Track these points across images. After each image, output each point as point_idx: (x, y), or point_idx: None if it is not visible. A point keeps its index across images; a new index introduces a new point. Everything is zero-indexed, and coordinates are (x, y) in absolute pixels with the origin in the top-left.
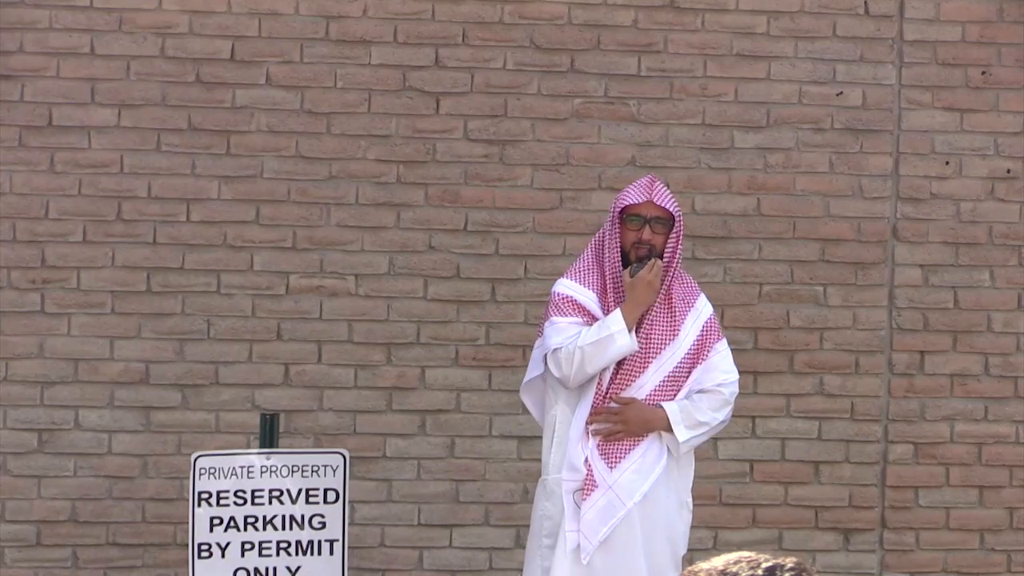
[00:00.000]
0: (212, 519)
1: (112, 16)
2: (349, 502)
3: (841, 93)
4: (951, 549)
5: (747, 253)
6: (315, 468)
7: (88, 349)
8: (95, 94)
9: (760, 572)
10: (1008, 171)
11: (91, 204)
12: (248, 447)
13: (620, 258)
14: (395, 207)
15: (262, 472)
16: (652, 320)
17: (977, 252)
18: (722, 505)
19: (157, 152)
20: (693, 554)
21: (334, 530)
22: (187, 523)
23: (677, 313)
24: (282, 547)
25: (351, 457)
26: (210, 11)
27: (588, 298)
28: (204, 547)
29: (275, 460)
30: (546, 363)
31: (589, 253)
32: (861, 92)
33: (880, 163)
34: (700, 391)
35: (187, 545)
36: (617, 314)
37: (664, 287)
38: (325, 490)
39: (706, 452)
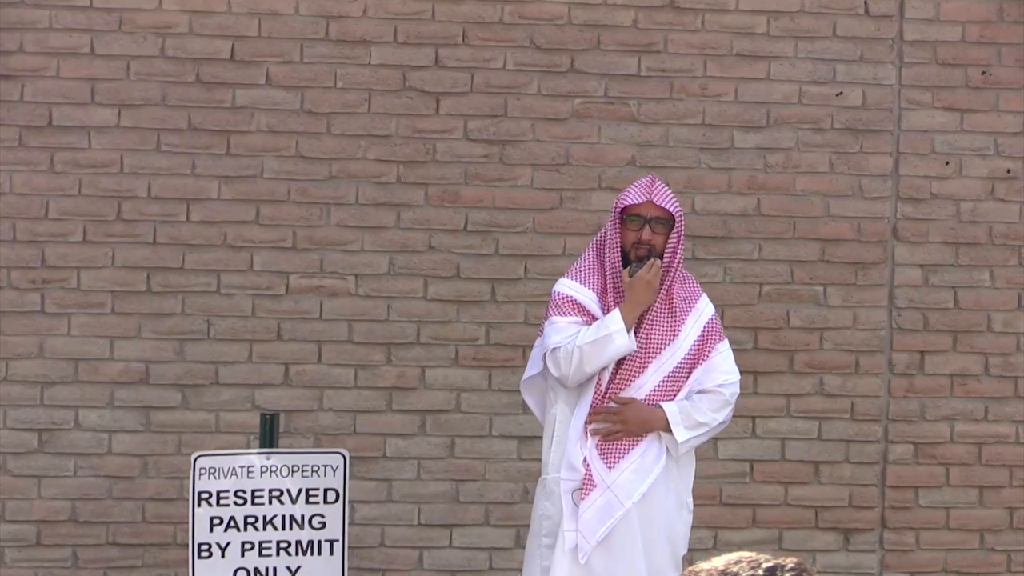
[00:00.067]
0: (212, 519)
1: (112, 16)
2: (349, 502)
3: (841, 93)
4: (951, 549)
5: (747, 253)
6: (315, 468)
7: (88, 349)
8: (95, 94)
9: (761, 572)
10: (1008, 171)
11: (91, 204)
12: (248, 447)
13: (620, 258)
14: (395, 207)
15: (262, 472)
16: (652, 320)
17: (977, 252)
18: (722, 505)
19: (157, 152)
20: (693, 554)
21: (334, 530)
22: (187, 523)
23: (678, 313)
24: (282, 547)
25: (351, 457)
26: (210, 11)
27: (588, 298)
28: (204, 547)
29: (275, 460)
30: (545, 362)
31: (590, 253)
32: (861, 92)
33: (880, 163)
34: (700, 391)
35: (187, 545)
36: (616, 314)
37: (665, 287)
38: (325, 490)
39: (706, 452)
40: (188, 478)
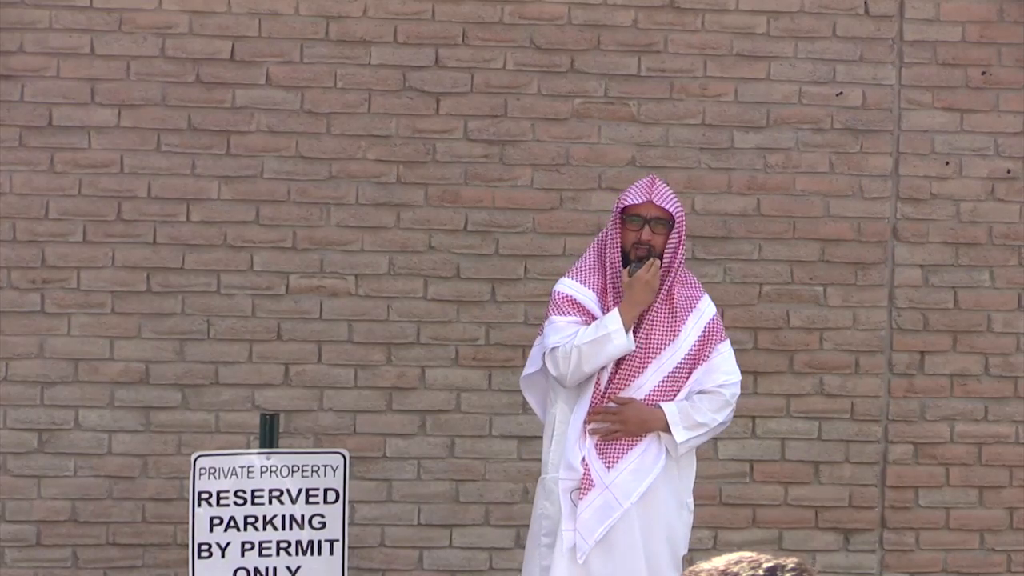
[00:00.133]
0: (212, 519)
1: (112, 16)
2: (349, 502)
3: (841, 93)
4: (951, 549)
5: (747, 253)
6: (315, 468)
7: (88, 349)
8: (95, 94)
9: (761, 572)
10: (1008, 171)
11: (91, 204)
12: (248, 447)
13: (620, 258)
14: (395, 207)
15: (262, 472)
16: (652, 320)
17: (977, 252)
18: (722, 505)
19: (157, 152)
20: (693, 554)
21: (334, 530)
22: (187, 523)
23: (678, 313)
24: (282, 547)
25: (351, 457)
26: (210, 11)
27: (588, 298)
28: (204, 547)
29: (275, 460)
30: (545, 361)
31: (591, 253)
32: (861, 92)
33: (880, 163)
34: (701, 392)
35: (187, 545)
36: (614, 313)
37: (665, 287)
38: (325, 490)
39: (706, 452)
40: (188, 478)
